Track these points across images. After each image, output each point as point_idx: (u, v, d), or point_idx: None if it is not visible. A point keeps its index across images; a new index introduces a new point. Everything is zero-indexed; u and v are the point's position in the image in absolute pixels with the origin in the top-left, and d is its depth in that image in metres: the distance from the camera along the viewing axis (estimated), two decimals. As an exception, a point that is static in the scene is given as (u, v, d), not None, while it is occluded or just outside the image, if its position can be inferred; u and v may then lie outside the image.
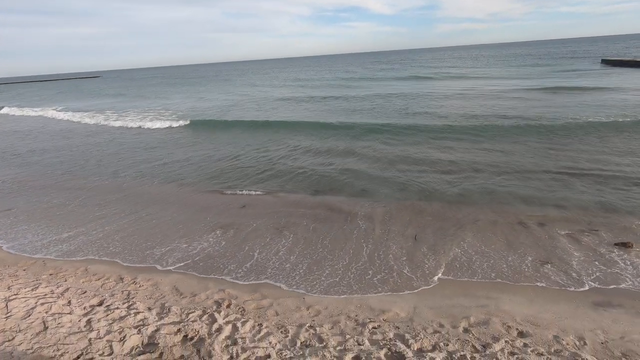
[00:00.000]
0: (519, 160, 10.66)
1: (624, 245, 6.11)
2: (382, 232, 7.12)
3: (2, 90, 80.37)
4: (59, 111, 30.20)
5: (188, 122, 18.51)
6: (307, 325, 4.52)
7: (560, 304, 4.91)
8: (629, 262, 5.71)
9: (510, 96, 21.56)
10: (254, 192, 9.61)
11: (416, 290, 5.36)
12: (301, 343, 4.15)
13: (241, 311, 4.91)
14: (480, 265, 5.89)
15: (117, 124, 20.71)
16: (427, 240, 6.72)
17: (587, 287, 5.24)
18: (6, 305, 4.91)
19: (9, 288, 5.49)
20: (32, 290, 5.43)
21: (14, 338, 4.22)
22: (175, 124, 18.55)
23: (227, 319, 4.65)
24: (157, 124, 19.12)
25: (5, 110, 35.31)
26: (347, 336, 4.25)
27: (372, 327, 4.44)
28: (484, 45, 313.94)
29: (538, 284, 5.38)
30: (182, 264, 6.41)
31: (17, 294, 5.26)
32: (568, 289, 5.24)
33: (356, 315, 4.74)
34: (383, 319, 4.65)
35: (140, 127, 19.22)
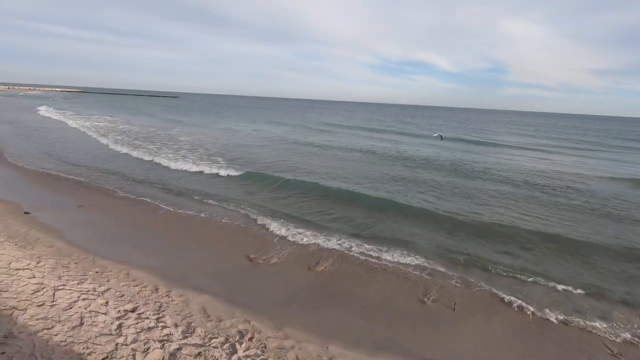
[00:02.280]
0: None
1: None
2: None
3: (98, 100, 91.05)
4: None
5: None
6: (326, 378, 4.29)
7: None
8: None
9: (584, 186, 15.90)
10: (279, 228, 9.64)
11: None
12: (317, 397, 3.93)
13: (262, 347, 4.80)
14: None
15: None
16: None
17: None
18: (53, 294, 5.27)
19: (59, 278, 5.91)
20: (78, 284, 5.80)
21: (52, 327, 4.47)
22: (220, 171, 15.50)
23: (246, 353, 4.57)
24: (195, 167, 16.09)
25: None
26: (367, 401, 3.95)
27: (395, 397, 4.09)
28: (552, 114, 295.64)
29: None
30: (214, 286, 6.51)
31: (64, 285, 5.64)
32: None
33: (379, 379, 4.42)
34: (408, 390, 4.27)
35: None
